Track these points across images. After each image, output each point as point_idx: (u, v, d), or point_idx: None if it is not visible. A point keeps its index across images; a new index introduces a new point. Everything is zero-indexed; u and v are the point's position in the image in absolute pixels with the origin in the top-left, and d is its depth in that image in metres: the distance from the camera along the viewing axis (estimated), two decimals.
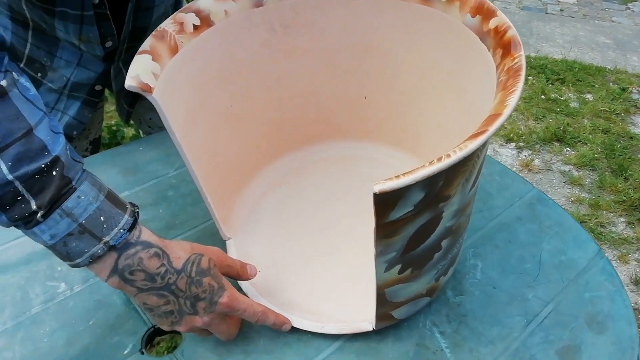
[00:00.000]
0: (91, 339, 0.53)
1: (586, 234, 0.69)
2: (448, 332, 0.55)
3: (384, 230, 0.40)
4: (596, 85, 2.66)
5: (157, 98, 0.46)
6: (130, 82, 0.44)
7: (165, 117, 0.47)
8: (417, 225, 0.42)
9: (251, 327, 0.55)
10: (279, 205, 0.69)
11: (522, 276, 0.62)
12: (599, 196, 1.97)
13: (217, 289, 0.47)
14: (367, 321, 0.53)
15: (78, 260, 0.40)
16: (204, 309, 0.46)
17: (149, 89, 0.45)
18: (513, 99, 0.38)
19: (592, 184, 2.05)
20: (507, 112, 0.38)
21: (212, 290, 0.46)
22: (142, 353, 0.52)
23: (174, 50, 0.50)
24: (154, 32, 0.49)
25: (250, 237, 0.64)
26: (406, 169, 0.35)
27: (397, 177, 0.35)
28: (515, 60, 0.42)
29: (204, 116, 0.58)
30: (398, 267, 0.45)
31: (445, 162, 0.35)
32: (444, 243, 0.48)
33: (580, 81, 2.68)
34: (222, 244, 0.63)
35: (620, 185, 2.01)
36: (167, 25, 0.51)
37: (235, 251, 0.62)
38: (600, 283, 0.62)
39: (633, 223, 1.86)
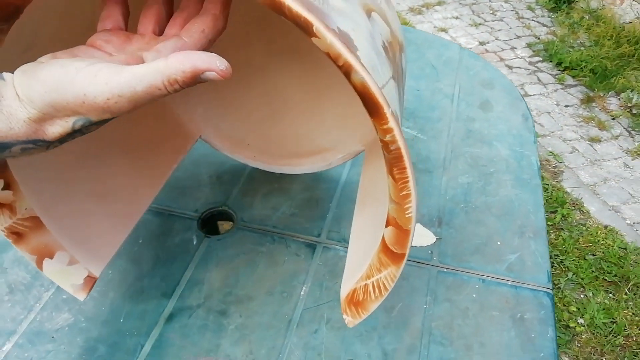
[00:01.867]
0: (149, 280, 0.55)
1: (445, 39, 0.91)
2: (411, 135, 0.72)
3: None
4: None
5: None
6: None
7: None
8: None
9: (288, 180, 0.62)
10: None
11: (431, 80, 0.81)
12: None
13: None
14: (357, 144, 0.64)
15: None
16: None
17: None
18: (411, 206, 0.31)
19: None
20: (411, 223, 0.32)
21: None
22: (205, 235, 0.56)
23: None
24: None
25: (211, 128, 0.65)
26: None
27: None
28: (388, 137, 0.29)
29: None
30: None
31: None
32: None
33: None
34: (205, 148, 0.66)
35: None
36: None
37: (220, 143, 0.63)
38: (473, 64, 0.85)
39: None
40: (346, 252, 0.54)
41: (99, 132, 0.48)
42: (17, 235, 0.41)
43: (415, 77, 0.81)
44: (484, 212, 0.59)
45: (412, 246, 0.55)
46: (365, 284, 0.39)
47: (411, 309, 0.50)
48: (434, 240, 0.56)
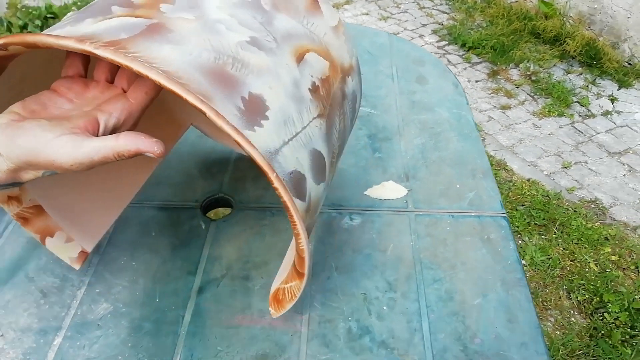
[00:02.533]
0: (172, 264, 0.61)
1: (374, 29, 1.03)
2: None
3: None
4: None
5: None
6: None
7: None
8: None
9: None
10: None
11: (371, 64, 0.92)
12: None
13: None
14: None
15: None
16: None
17: None
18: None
19: None
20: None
21: None
22: (211, 220, 0.63)
23: None
24: None
25: None
26: None
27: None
28: (277, 192, 0.36)
29: None
30: None
31: None
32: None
33: None
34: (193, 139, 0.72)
35: None
36: None
37: (209, 129, 0.71)
38: (402, 46, 0.97)
39: None
40: (337, 213, 0.63)
41: None
42: (24, 219, 0.50)
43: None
44: (440, 164, 0.71)
45: (390, 199, 0.65)
46: (284, 287, 0.49)
47: (401, 247, 0.60)
48: (406, 192, 0.66)
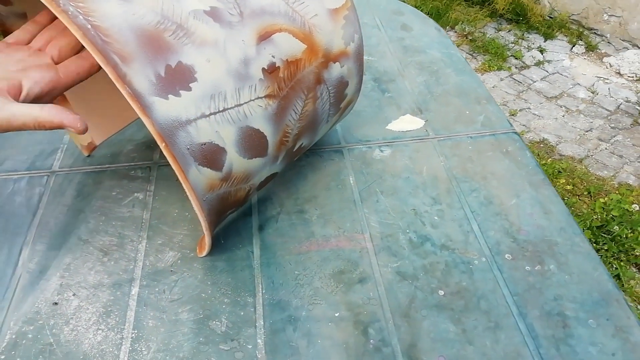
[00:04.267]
0: None
1: None
2: None
3: None
4: None
5: None
6: None
7: None
8: None
9: None
10: None
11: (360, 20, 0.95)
12: None
13: None
14: None
15: None
16: None
17: None
18: None
19: None
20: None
21: None
22: None
23: None
24: None
25: None
26: None
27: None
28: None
29: None
30: None
31: None
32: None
33: None
34: None
35: None
36: None
37: None
38: (379, 0, 1.01)
39: None
40: (366, 148, 0.67)
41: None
42: None
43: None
44: (446, 97, 0.76)
45: (411, 130, 0.69)
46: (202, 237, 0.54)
47: (434, 168, 0.64)
48: (423, 122, 0.71)
